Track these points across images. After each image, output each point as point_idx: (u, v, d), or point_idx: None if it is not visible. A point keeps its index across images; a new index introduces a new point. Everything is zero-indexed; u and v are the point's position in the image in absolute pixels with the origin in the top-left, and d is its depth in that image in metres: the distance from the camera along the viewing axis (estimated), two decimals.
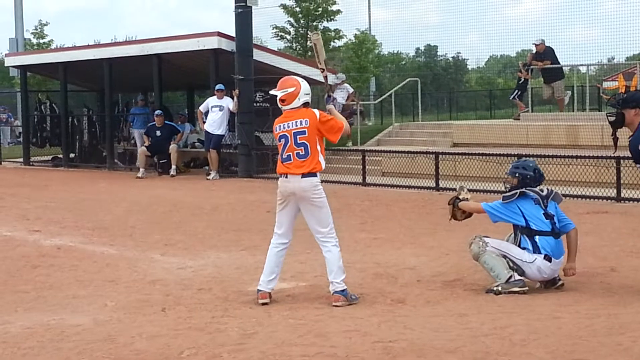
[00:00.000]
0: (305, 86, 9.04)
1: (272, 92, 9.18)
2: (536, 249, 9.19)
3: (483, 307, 8.46)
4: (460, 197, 9.74)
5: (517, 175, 9.52)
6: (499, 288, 9.05)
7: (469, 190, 10.02)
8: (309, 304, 8.82)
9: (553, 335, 7.24)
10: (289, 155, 8.91)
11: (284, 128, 8.94)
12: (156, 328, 7.91)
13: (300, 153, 8.85)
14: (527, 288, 9.11)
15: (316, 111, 8.97)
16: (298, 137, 8.84)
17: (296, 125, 8.88)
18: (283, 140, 8.96)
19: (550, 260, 9.19)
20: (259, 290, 8.96)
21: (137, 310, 8.74)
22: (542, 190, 9.47)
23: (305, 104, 9.00)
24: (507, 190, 9.54)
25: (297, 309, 8.63)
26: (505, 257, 9.23)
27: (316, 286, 9.61)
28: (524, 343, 6.99)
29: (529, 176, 9.48)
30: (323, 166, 8.95)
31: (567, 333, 7.32)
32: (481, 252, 9.26)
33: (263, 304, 8.81)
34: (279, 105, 9.04)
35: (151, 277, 10.49)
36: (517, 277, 9.13)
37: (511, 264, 9.19)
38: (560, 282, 9.35)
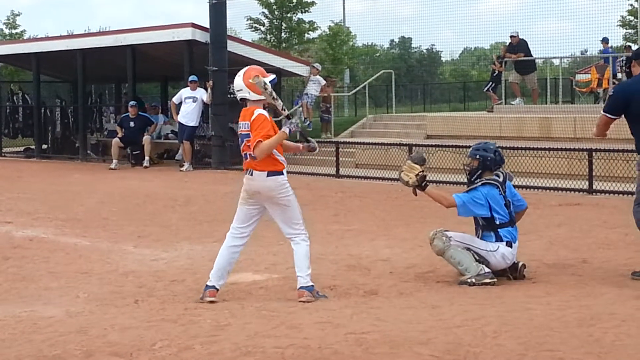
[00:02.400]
0: (236, 82, 8.56)
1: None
2: (498, 238, 9.26)
3: (455, 299, 8.49)
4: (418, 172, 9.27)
5: (477, 157, 9.48)
6: (473, 280, 9.09)
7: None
8: (282, 296, 8.84)
9: (524, 327, 7.26)
10: (246, 154, 8.65)
11: (237, 128, 8.86)
12: (129, 320, 7.89)
13: (252, 154, 8.51)
14: (496, 279, 9.18)
15: (258, 112, 8.50)
16: (245, 139, 8.56)
17: (241, 128, 8.61)
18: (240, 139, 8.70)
19: (511, 246, 9.28)
20: (207, 287, 8.66)
21: (110, 302, 8.72)
22: (498, 176, 9.48)
23: (252, 102, 8.56)
24: (467, 172, 9.54)
25: (270, 300, 8.63)
26: (469, 249, 9.27)
27: (289, 278, 9.58)
28: (495, 335, 7.01)
29: (489, 158, 9.46)
30: (284, 165, 8.61)
31: (539, 324, 7.35)
32: (446, 247, 9.28)
33: (211, 302, 8.57)
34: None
35: (124, 269, 10.46)
36: (486, 269, 9.17)
37: (477, 257, 9.23)
38: (521, 264, 9.41)
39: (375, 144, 21.81)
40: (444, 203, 9.35)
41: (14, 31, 43.65)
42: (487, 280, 9.10)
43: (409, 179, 9.23)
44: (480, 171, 9.44)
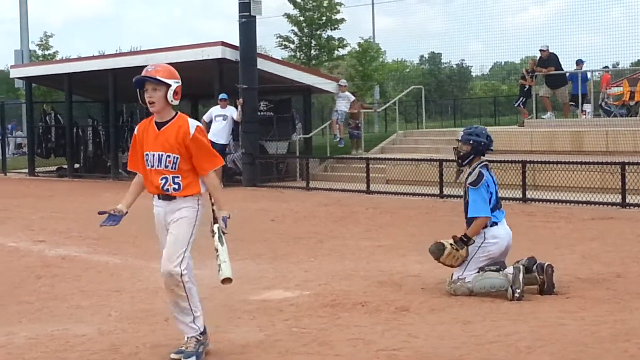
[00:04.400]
0: None
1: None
2: (492, 225, 9.30)
3: (488, 315, 8.43)
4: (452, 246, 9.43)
5: (471, 142, 9.49)
6: (517, 292, 8.97)
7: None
8: (313, 313, 8.79)
9: (558, 342, 7.21)
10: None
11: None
12: (159, 338, 7.90)
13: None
14: (522, 268, 9.12)
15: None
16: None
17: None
18: None
19: (497, 224, 9.32)
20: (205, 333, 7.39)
21: (141, 320, 8.72)
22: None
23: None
24: (458, 156, 9.53)
25: (301, 317, 8.59)
26: (481, 268, 9.22)
27: (320, 295, 9.58)
28: (529, 350, 6.96)
29: (482, 142, 9.49)
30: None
31: (573, 340, 7.29)
32: (469, 288, 9.24)
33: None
34: (172, 99, 7.25)
35: (154, 287, 10.45)
36: (509, 271, 9.09)
37: (493, 267, 9.19)
38: (547, 264, 9.29)
39: (405, 159, 21.77)
40: (483, 222, 9.31)
41: (46, 52, 43.92)
42: (521, 277, 9.00)
43: (460, 257, 9.35)
44: (472, 156, 9.47)
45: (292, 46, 40.90)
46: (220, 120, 23.35)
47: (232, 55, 23.84)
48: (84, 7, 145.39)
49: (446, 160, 19.55)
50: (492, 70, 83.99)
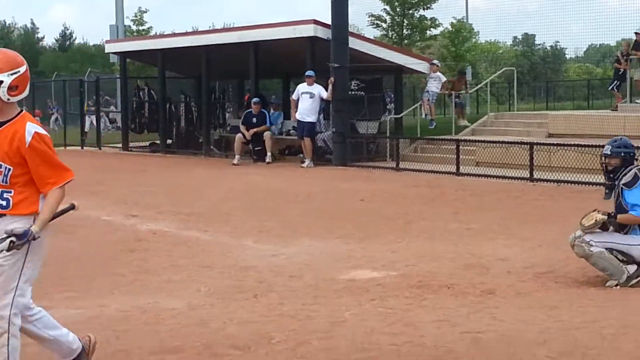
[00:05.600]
0: None
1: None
2: None
3: (574, 300, 8.40)
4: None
5: (622, 154, 9.21)
6: (619, 286, 8.89)
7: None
8: (399, 293, 8.85)
9: None
10: None
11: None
12: (248, 314, 8.04)
13: None
14: None
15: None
16: None
17: None
18: None
19: None
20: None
21: (230, 296, 8.88)
22: None
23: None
24: (609, 171, 9.26)
25: (387, 298, 8.66)
26: (612, 249, 9.03)
27: (406, 275, 9.64)
28: (614, 337, 6.94)
29: (631, 154, 9.27)
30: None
31: None
32: (588, 255, 9.04)
33: None
34: (8, 97, 5.66)
35: (244, 263, 10.62)
36: (631, 268, 8.96)
37: (620, 256, 9.01)
38: None
39: (496, 142, 21.63)
40: (637, 222, 9.13)
41: (140, 28, 44.47)
42: (634, 281, 8.91)
43: (594, 219, 9.07)
44: (623, 168, 9.21)
45: (384, 25, 40.78)
46: (307, 97, 23.43)
47: (324, 34, 23.87)
48: None
49: (537, 144, 19.42)
50: (586, 52, 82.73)
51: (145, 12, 45.23)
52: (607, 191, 9.40)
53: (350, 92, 23.96)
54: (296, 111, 23.75)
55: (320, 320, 7.76)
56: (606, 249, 9.00)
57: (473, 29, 46.99)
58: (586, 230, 9.07)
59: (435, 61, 27.73)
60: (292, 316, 7.90)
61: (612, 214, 9.07)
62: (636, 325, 7.34)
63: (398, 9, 39.97)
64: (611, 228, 9.07)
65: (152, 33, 45.12)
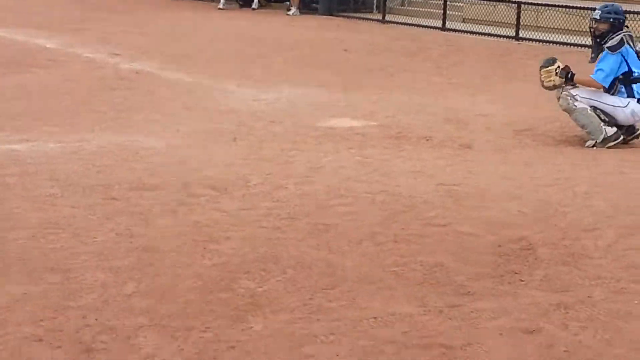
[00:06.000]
0: None
1: None
2: (630, 94, 9.07)
3: (550, 158, 8.48)
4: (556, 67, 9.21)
5: (611, 20, 9.11)
6: (596, 146, 8.95)
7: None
8: (377, 143, 8.90)
9: (617, 190, 7.25)
10: None
11: None
12: (226, 156, 8.09)
13: None
14: (622, 137, 9.04)
15: None
16: None
17: None
18: None
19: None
20: None
21: (209, 138, 8.92)
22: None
23: None
24: (596, 35, 9.20)
25: (365, 147, 8.71)
26: (595, 108, 9.06)
27: (386, 126, 9.69)
28: (586, 195, 7.03)
29: (621, 20, 9.19)
30: None
31: (632, 188, 7.33)
32: (571, 109, 9.06)
33: None
34: None
35: (225, 107, 10.65)
36: (610, 130, 9.01)
37: (602, 116, 9.03)
38: (638, 132, 9.25)
39: None
40: (596, 86, 9.10)
41: None
42: (612, 143, 8.96)
43: (552, 82, 9.12)
44: (611, 34, 9.15)
45: None
46: None
47: None
48: None
49: (525, 2, 19.24)
50: None
51: None
52: (592, 55, 9.36)
53: None
54: None
55: (297, 165, 7.82)
56: (591, 106, 9.05)
57: None
58: (551, 88, 9.19)
59: None
60: (270, 160, 7.97)
61: (570, 75, 9.11)
62: (607, 184, 7.44)
63: None
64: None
65: None
